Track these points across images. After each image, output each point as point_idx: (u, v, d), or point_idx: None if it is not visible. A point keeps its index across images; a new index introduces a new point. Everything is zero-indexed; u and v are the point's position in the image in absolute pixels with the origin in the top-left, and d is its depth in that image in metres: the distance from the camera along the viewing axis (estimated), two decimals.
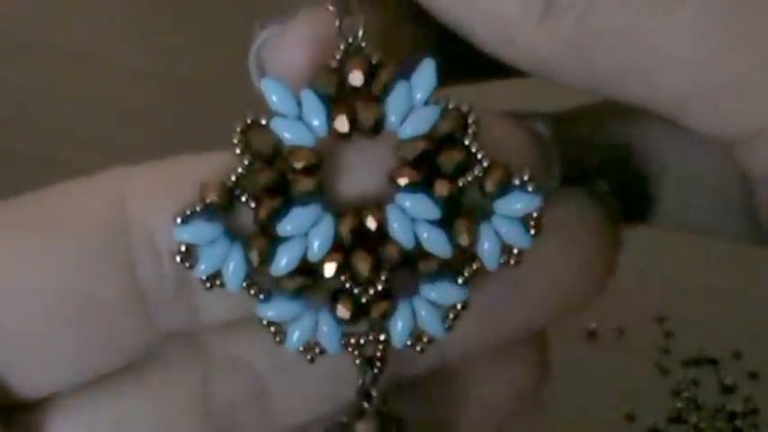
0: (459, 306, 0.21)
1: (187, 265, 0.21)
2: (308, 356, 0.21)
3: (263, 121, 0.21)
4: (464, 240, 0.21)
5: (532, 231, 0.21)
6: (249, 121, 0.21)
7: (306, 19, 0.21)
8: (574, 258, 0.22)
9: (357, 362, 0.22)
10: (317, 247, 0.20)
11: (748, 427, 0.48)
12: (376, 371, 0.22)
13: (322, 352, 0.21)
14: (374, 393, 0.22)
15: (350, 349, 0.21)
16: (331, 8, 0.21)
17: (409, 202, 0.21)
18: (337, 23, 0.21)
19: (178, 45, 0.60)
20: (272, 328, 0.21)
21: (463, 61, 0.23)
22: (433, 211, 0.20)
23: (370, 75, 0.21)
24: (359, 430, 0.22)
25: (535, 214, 0.21)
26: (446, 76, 0.21)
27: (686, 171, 0.25)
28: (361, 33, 0.21)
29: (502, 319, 0.22)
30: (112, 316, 0.21)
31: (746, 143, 0.20)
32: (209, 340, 0.22)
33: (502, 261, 0.21)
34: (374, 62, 0.21)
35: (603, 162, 0.26)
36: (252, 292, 0.21)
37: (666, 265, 0.49)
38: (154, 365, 0.22)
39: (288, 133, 0.20)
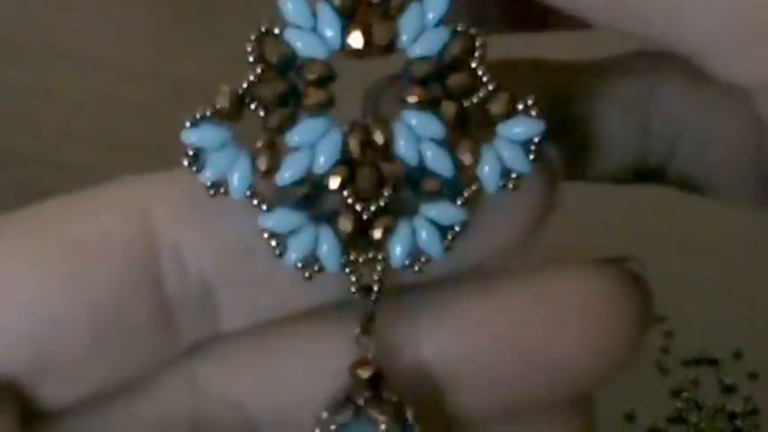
0: (456, 227, 0.21)
1: (194, 169, 0.21)
2: (307, 273, 0.21)
3: (277, 31, 0.21)
4: (466, 159, 0.21)
5: (532, 157, 0.21)
6: (263, 30, 0.21)
7: None
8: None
9: (353, 290, 0.21)
10: (323, 159, 0.21)
11: (748, 427, 0.48)
12: (373, 298, 0.21)
13: (321, 269, 0.21)
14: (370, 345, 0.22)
15: (348, 270, 0.21)
16: None
17: (416, 119, 0.21)
18: None
19: (178, 45, 0.60)
20: (273, 242, 0.21)
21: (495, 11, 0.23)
22: (439, 130, 0.21)
23: None
24: (372, 414, 0.22)
25: (536, 139, 0.21)
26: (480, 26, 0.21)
27: (702, 131, 0.25)
28: None
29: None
30: (141, 333, 0.21)
31: (765, 91, 0.20)
32: (203, 375, 0.22)
33: (501, 184, 0.21)
34: None
35: (622, 119, 0.26)
36: (255, 201, 0.21)
37: (666, 265, 0.49)
38: (146, 395, 0.22)
39: (300, 44, 0.21)
